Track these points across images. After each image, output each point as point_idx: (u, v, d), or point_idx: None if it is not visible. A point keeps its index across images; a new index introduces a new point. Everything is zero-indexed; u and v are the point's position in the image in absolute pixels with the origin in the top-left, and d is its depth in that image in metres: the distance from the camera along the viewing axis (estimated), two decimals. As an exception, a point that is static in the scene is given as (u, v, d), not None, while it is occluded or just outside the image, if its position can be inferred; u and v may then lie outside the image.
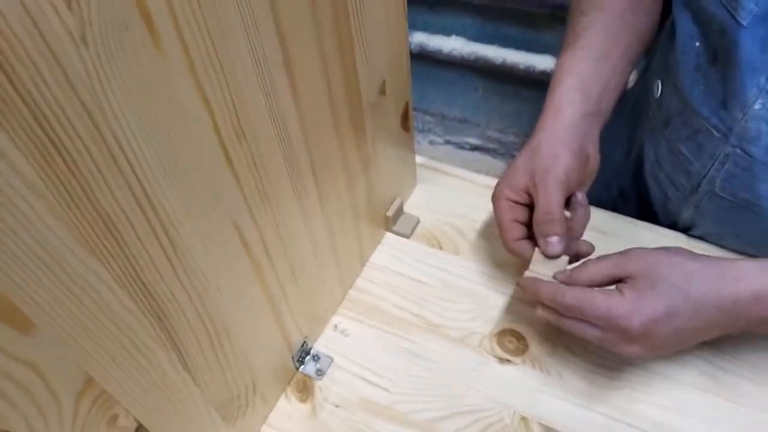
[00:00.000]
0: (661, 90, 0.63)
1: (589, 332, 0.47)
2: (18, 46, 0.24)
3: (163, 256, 0.35)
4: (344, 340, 0.60)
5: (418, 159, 0.74)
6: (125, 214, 0.32)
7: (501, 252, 0.65)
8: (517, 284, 0.53)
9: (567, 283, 0.50)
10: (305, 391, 0.57)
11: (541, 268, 0.52)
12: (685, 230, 0.65)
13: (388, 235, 0.69)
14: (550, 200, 0.52)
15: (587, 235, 0.60)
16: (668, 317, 0.45)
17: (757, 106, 0.51)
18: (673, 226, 0.66)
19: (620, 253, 0.49)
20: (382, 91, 0.56)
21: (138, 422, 0.38)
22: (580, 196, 0.55)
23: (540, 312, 0.51)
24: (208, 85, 0.35)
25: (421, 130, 1.78)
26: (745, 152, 0.53)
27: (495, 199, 0.57)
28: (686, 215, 0.64)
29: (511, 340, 0.58)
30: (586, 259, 0.51)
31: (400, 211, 0.69)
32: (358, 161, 0.56)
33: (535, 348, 0.57)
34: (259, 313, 0.48)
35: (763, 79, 0.50)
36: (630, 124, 0.74)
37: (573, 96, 0.56)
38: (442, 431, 0.53)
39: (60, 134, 0.27)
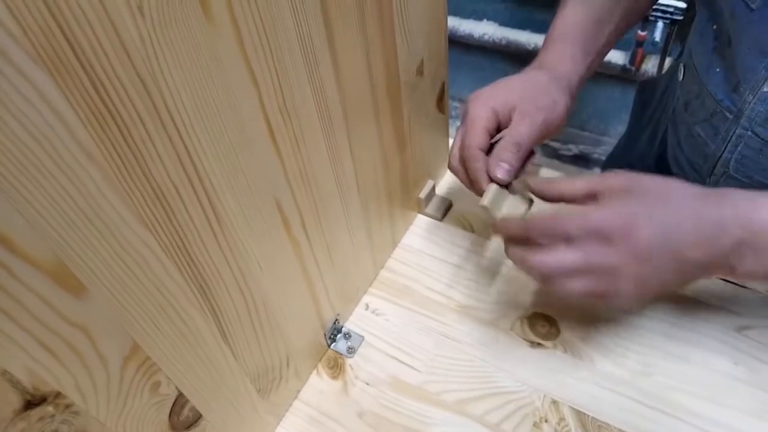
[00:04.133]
0: (684, 73, 0.64)
1: (569, 257, 0.43)
2: (81, 17, 0.25)
3: (208, 228, 0.36)
4: (375, 320, 0.61)
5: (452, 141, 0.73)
6: (174, 185, 0.32)
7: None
8: (491, 227, 0.50)
9: (538, 189, 0.48)
10: (336, 368, 0.57)
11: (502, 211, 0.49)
12: None
13: (420, 217, 0.69)
14: (524, 133, 0.51)
15: None
16: (648, 218, 0.42)
17: (765, 89, 0.51)
18: None
19: (596, 174, 0.46)
20: (420, 72, 0.56)
21: (179, 390, 0.39)
22: (536, 158, 0.55)
23: (511, 251, 0.47)
24: (256, 62, 0.35)
25: (451, 116, 1.77)
26: (756, 134, 0.54)
27: (477, 100, 0.53)
28: None
29: (544, 324, 0.58)
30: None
31: (432, 194, 0.69)
32: (394, 142, 0.56)
33: (566, 332, 0.57)
34: (296, 289, 0.49)
35: None
36: (659, 109, 0.74)
37: (574, 52, 0.58)
38: (472, 412, 0.53)
39: (116, 102, 0.27)
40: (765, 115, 0.52)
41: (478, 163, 0.51)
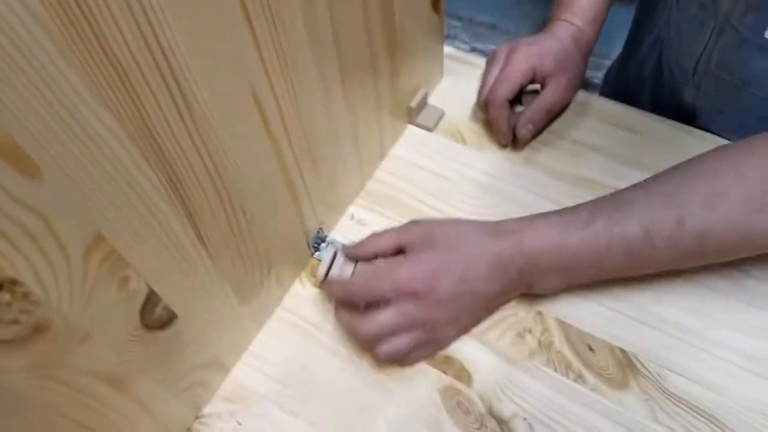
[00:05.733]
0: None
1: (388, 317, 0.46)
2: None
3: (176, 113, 0.33)
4: (360, 230, 0.59)
5: (446, 50, 0.70)
6: (137, 63, 0.30)
7: (527, 147, 0.63)
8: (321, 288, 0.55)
9: (352, 253, 0.51)
10: (320, 276, 0.56)
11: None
12: (688, 117, 0.67)
13: (411, 127, 0.67)
14: (556, 102, 0.61)
15: (619, 132, 0.64)
16: (446, 267, 0.47)
17: None
18: (677, 112, 0.69)
19: (401, 225, 0.51)
20: (413, -36, 0.52)
21: (150, 287, 0.38)
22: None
23: (338, 314, 0.51)
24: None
25: (447, 36, 1.72)
26: (735, 28, 0.57)
27: (520, 52, 0.61)
28: (688, 98, 0.67)
29: (532, 237, 0.57)
30: (368, 235, 0.52)
31: (424, 103, 0.66)
32: (384, 39, 0.53)
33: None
34: (276, 191, 0.47)
35: None
36: (663, 9, 0.72)
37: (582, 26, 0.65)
38: (456, 322, 0.52)
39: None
40: (743, 8, 0.54)
41: (502, 111, 0.60)
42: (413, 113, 0.65)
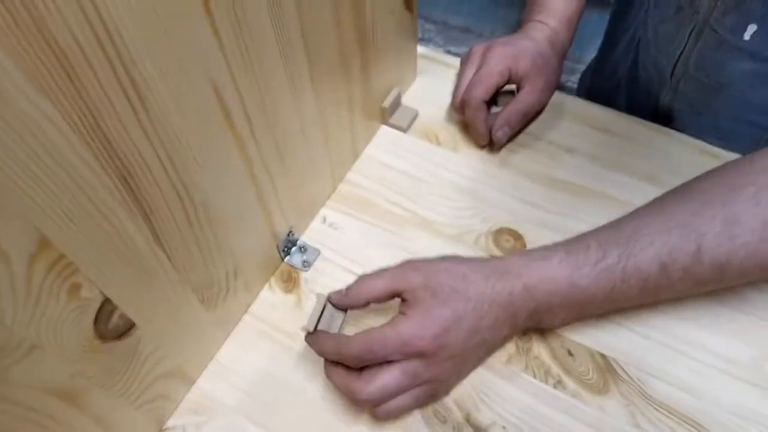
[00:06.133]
0: None
1: (392, 379, 0.42)
2: None
3: (128, 108, 0.31)
4: (332, 233, 0.57)
5: (420, 49, 0.68)
6: (80, 46, 0.27)
7: (503, 150, 0.62)
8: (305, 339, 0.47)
9: (343, 303, 0.46)
10: (290, 281, 0.54)
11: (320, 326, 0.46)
12: (665, 119, 0.67)
13: (384, 128, 0.65)
14: (531, 104, 0.60)
15: (595, 134, 0.63)
16: (457, 322, 0.43)
17: None
18: (653, 114, 0.69)
19: (395, 266, 0.46)
20: (385, -42, 0.51)
21: (104, 295, 0.35)
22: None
23: (328, 372, 0.45)
24: None
25: (421, 39, 1.71)
26: (714, 30, 0.56)
27: (495, 52, 0.60)
28: (665, 100, 0.67)
29: (508, 239, 0.55)
30: (359, 276, 0.46)
31: (397, 103, 0.64)
32: (355, 36, 0.51)
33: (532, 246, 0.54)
34: (241, 194, 0.45)
35: None
36: (639, 10, 0.71)
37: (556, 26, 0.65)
38: (432, 328, 0.50)
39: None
40: (722, 10, 0.54)
41: (479, 113, 0.59)
42: (386, 113, 0.63)
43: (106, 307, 0.36)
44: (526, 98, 0.59)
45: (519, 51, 0.60)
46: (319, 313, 0.45)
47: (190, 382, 0.49)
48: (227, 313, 0.50)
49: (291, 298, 0.53)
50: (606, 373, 0.47)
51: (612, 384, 0.47)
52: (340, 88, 0.53)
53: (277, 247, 0.54)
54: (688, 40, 0.59)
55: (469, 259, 0.47)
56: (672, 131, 0.62)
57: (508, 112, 0.59)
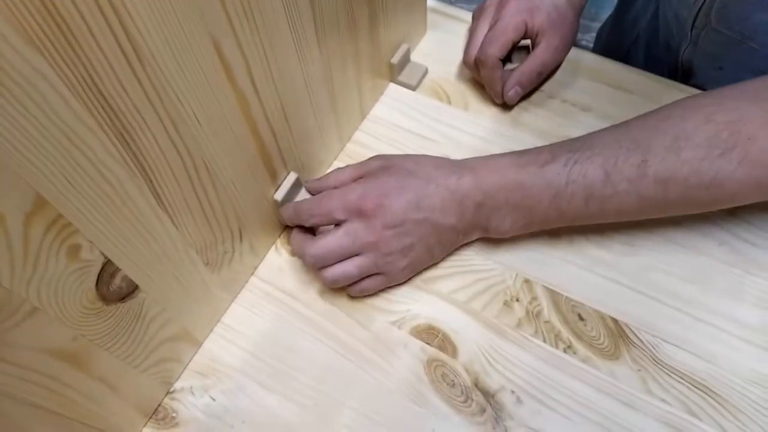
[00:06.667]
0: None
1: (335, 239, 0.46)
2: None
3: (125, 63, 0.30)
4: (340, 194, 0.56)
5: (429, 2, 0.66)
6: (71, -3, 0.26)
7: (515, 109, 0.60)
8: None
9: (312, 187, 0.51)
10: (296, 244, 0.53)
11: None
12: (685, 75, 0.65)
13: (392, 86, 0.63)
14: (547, 64, 0.58)
15: (611, 92, 0.61)
16: (399, 190, 0.45)
17: None
18: (673, 70, 0.66)
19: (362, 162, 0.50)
20: None
21: (105, 256, 0.34)
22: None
23: (291, 238, 0.50)
24: None
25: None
26: None
27: (511, 6, 0.57)
28: (685, 54, 0.64)
29: (520, 201, 0.54)
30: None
31: (406, 59, 0.62)
32: (362, -11, 0.49)
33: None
34: (245, 153, 0.43)
35: None
36: None
37: None
38: (439, 290, 0.50)
39: None
40: None
41: (496, 71, 0.57)
42: (395, 70, 0.61)
43: (107, 269, 0.35)
44: (540, 57, 0.57)
45: (534, 5, 0.57)
46: (288, 187, 0.50)
47: (197, 344, 0.48)
48: (233, 276, 0.49)
49: (298, 260, 0.52)
50: (617, 338, 0.47)
51: (623, 349, 0.46)
52: (346, 44, 0.51)
53: (283, 208, 0.52)
54: None
55: (432, 155, 0.50)
56: (690, 88, 0.60)
57: (521, 71, 0.57)
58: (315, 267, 0.47)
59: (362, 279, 0.47)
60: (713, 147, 0.41)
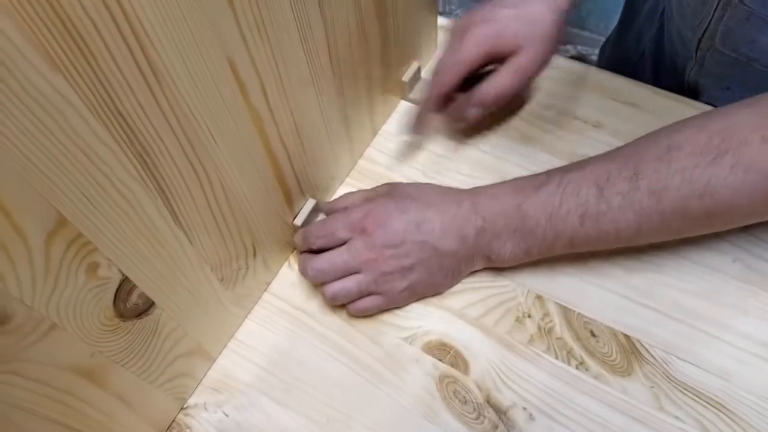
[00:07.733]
0: None
1: (337, 256, 0.47)
2: None
3: (143, 84, 0.30)
4: (352, 211, 0.56)
5: (441, 21, 0.67)
6: (91, 20, 0.26)
7: (526, 124, 0.61)
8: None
9: (325, 209, 0.53)
10: (309, 260, 0.54)
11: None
12: (692, 94, 0.64)
13: (404, 103, 0.64)
14: (509, 87, 0.53)
15: (622, 108, 0.61)
16: (399, 212, 0.47)
17: None
18: (680, 87, 0.66)
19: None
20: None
21: (123, 274, 0.35)
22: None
23: (299, 259, 0.51)
24: None
25: (441, 13, 1.68)
26: (742, 2, 0.53)
27: (471, 37, 0.52)
28: (691, 74, 0.64)
29: (532, 217, 0.54)
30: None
31: (417, 77, 0.63)
32: (374, 8, 0.50)
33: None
34: (259, 170, 0.44)
35: None
36: None
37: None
38: (453, 306, 0.50)
39: None
40: None
41: (443, 104, 0.56)
42: (406, 88, 0.62)
43: (124, 286, 0.36)
44: (501, 80, 0.53)
45: (501, 28, 0.52)
46: (307, 213, 0.52)
47: (211, 360, 0.49)
48: (247, 292, 0.50)
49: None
50: (630, 354, 0.46)
51: (636, 365, 0.46)
52: (358, 61, 0.51)
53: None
54: (714, 13, 0.56)
55: (437, 184, 0.52)
56: (701, 105, 0.60)
57: (479, 92, 0.54)
58: (316, 282, 0.49)
59: (361, 298, 0.48)
60: (705, 154, 0.40)
